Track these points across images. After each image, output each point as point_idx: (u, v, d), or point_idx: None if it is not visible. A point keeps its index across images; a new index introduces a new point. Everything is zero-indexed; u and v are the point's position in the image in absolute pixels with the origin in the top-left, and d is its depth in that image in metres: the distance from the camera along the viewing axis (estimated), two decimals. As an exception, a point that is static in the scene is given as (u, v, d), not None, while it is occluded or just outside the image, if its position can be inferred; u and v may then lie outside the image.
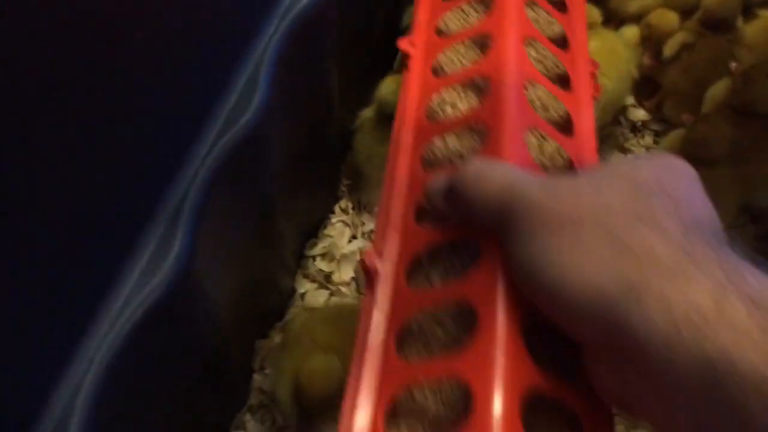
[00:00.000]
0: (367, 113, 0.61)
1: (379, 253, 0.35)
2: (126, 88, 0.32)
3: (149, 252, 0.36)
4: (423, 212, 0.37)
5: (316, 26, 0.47)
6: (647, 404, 0.25)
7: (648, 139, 0.69)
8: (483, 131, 0.37)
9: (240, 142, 0.40)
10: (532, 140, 0.37)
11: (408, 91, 0.43)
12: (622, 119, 0.69)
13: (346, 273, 0.61)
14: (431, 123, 0.41)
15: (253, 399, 0.55)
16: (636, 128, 0.70)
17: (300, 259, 0.61)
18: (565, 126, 0.38)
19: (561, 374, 0.28)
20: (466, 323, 0.30)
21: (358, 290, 0.61)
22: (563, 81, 0.41)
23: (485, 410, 0.25)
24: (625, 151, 0.68)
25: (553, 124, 0.38)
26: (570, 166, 0.36)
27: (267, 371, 0.56)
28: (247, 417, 0.54)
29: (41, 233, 0.30)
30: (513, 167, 0.31)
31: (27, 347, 0.31)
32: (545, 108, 0.39)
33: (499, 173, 0.30)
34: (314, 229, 0.62)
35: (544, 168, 0.36)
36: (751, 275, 0.22)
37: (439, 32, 0.46)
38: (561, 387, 0.28)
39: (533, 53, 0.41)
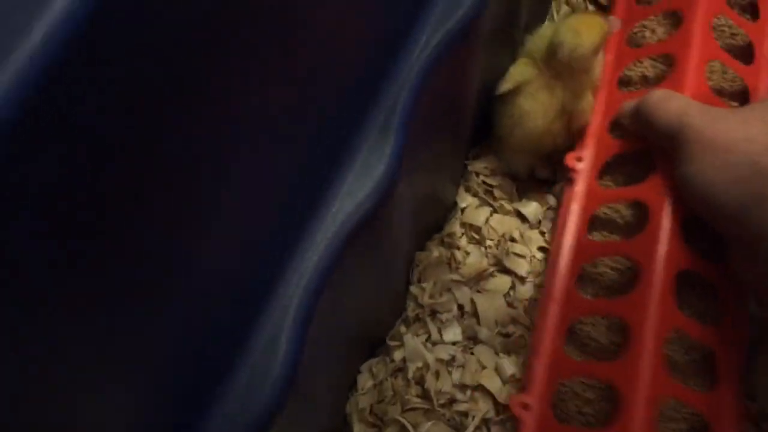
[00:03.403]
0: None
1: (579, 158, 0.46)
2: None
3: (360, 159, 0.33)
4: (614, 125, 0.45)
5: None
6: (760, 279, 0.34)
7: None
8: (671, 59, 0.43)
9: (453, 37, 0.35)
10: (716, 66, 0.44)
11: (614, 13, 0.51)
12: None
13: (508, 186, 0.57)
14: (630, 48, 0.48)
15: (410, 311, 0.53)
16: None
17: (464, 170, 0.57)
18: (747, 53, 0.44)
19: (707, 258, 0.37)
20: (639, 217, 0.40)
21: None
22: (753, 9, 0.47)
23: (648, 283, 0.35)
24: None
25: (738, 50, 0.45)
26: (745, 90, 0.43)
27: (424, 284, 0.54)
28: (403, 329, 0.53)
29: (253, 140, 0.27)
30: (687, 99, 0.38)
31: (238, 264, 0.29)
32: (732, 36, 0.45)
33: (675, 104, 0.37)
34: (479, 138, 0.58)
35: (723, 91, 0.44)
36: None
37: None
38: (705, 266, 0.37)
39: None
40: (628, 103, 0.42)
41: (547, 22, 0.61)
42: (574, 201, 0.44)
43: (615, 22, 0.51)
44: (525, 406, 0.38)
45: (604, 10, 0.61)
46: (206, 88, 0.22)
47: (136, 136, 0.20)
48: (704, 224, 0.36)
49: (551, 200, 0.56)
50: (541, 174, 0.57)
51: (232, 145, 0.25)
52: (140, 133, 0.20)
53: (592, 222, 0.43)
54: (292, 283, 0.31)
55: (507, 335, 0.52)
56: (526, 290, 0.53)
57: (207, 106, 0.22)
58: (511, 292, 0.53)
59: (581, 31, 0.47)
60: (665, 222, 0.36)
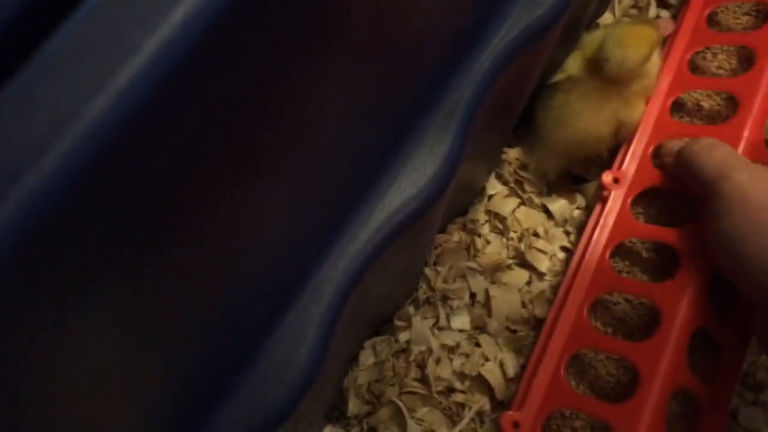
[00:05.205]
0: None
1: (615, 179, 0.44)
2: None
3: (417, 156, 0.31)
4: (657, 152, 0.44)
5: None
6: None
7: None
8: (732, 100, 0.41)
9: (529, 36, 0.33)
10: None
11: (679, 33, 0.47)
12: None
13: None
14: (691, 74, 0.46)
15: (421, 293, 0.52)
16: None
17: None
18: None
19: (721, 315, 0.37)
20: (665, 258, 0.39)
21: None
22: None
23: (666, 336, 0.34)
24: None
25: None
26: None
27: (439, 267, 0.53)
28: (411, 310, 0.52)
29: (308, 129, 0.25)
30: (733, 151, 0.36)
31: (275, 251, 0.28)
32: None
33: (720, 154, 0.36)
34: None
35: None
36: None
37: None
38: (716, 325, 0.36)
39: None
40: (674, 142, 0.41)
41: (607, 13, 0.58)
42: (602, 224, 0.43)
43: (668, 23, 0.48)
44: (516, 425, 0.38)
45: (667, 7, 0.58)
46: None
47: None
48: (723, 283, 0.35)
49: (580, 199, 0.55)
50: (574, 170, 0.55)
51: (300, 129, 0.23)
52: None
53: (615, 247, 0.42)
54: (327, 277, 0.29)
55: (515, 332, 0.51)
56: (542, 288, 0.52)
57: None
58: (527, 288, 0.52)
59: (628, 45, 0.44)
60: (695, 275, 0.36)
